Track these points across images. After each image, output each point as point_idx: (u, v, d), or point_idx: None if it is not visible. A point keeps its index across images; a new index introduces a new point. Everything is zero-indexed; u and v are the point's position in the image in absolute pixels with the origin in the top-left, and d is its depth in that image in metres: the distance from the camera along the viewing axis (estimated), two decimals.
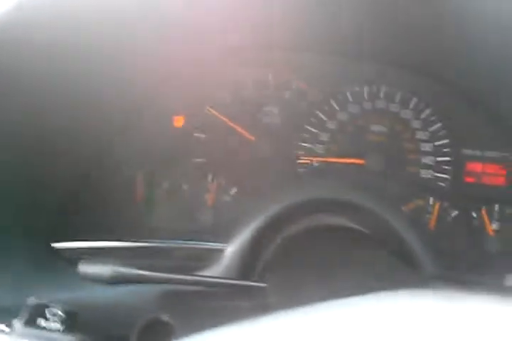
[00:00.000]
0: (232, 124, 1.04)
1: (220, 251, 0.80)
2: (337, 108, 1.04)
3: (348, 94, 1.04)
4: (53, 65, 0.68)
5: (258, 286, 0.73)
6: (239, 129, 1.04)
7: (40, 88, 0.69)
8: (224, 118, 1.04)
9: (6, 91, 0.64)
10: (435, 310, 0.33)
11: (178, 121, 1.03)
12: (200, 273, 0.76)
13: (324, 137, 1.04)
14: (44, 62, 0.66)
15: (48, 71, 0.68)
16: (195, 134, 1.04)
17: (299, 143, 1.04)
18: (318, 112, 1.04)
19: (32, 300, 0.56)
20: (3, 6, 0.56)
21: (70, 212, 0.88)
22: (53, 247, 0.79)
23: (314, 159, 1.04)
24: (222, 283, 0.73)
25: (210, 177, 1.05)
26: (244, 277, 0.77)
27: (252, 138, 1.04)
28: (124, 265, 0.66)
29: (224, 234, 0.84)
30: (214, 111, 1.04)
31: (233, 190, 1.04)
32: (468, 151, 1.04)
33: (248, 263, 0.79)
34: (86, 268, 0.66)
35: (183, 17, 0.77)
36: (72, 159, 0.87)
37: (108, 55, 0.76)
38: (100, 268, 0.65)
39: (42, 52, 0.65)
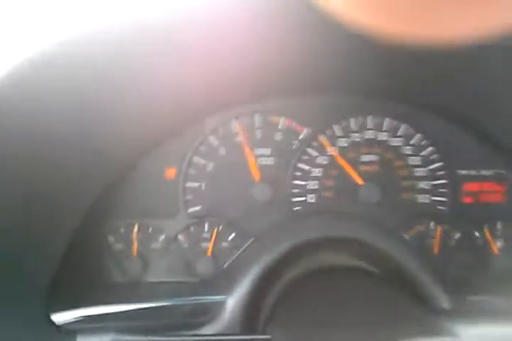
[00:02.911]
0: (224, 170, 1.04)
1: (222, 303, 0.79)
2: (326, 143, 1.04)
3: (336, 128, 1.04)
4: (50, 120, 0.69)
5: (262, 339, 0.71)
6: (232, 174, 1.04)
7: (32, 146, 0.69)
8: (216, 165, 1.05)
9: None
10: None
11: (170, 173, 1.04)
12: (204, 329, 0.75)
13: (317, 173, 1.04)
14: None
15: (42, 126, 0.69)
16: (188, 184, 1.04)
17: (293, 182, 1.04)
18: (308, 149, 1.04)
19: None
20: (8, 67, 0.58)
21: (65, 274, 0.86)
22: (51, 319, 0.78)
23: (308, 196, 1.05)
24: (225, 340, 0.72)
25: (206, 225, 1.05)
26: (248, 329, 0.76)
27: (247, 181, 1.04)
28: (125, 331, 0.66)
29: (225, 284, 0.83)
30: (203, 160, 1.05)
31: (231, 236, 1.04)
32: (463, 172, 1.04)
33: (251, 314, 0.78)
34: (85, 340, 0.65)
35: (171, 76, 0.77)
36: (62, 215, 0.86)
37: (101, 114, 0.78)
38: (100, 339, 0.65)
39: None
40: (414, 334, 0.65)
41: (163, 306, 0.82)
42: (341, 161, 1.04)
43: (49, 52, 0.59)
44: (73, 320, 0.77)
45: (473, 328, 0.71)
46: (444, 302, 0.80)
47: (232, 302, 0.78)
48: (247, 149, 1.04)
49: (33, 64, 0.59)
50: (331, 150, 1.04)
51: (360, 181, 1.03)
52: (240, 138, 1.04)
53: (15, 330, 0.73)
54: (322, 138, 1.04)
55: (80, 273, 0.94)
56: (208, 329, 0.76)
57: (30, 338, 0.74)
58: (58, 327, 0.77)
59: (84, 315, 0.78)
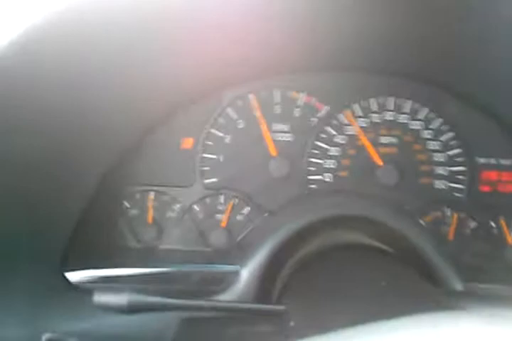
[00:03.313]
0: (242, 144, 1.03)
1: (235, 273, 0.77)
2: (345, 122, 1.03)
3: (356, 107, 1.03)
4: (62, 88, 0.66)
5: (277, 309, 0.70)
6: (250, 148, 1.03)
7: (47, 107, 0.66)
8: (234, 138, 1.04)
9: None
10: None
11: (187, 143, 1.02)
12: (217, 298, 0.74)
13: (334, 152, 1.03)
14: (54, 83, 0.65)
15: (57, 92, 0.66)
16: (205, 155, 1.03)
17: (310, 160, 1.03)
18: (327, 127, 1.03)
19: (47, 336, 0.54)
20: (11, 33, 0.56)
21: (81, 236, 0.86)
22: (66, 277, 0.77)
23: (325, 175, 1.03)
24: (239, 308, 0.70)
25: (222, 198, 1.04)
26: (261, 300, 0.74)
27: (264, 156, 1.03)
28: (140, 292, 0.64)
29: (238, 256, 0.82)
30: (221, 132, 1.03)
31: (246, 210, 1.03)
32: (482, 160, 1.03)
33: (265, 286, 0.76)
34: (101, 297, 0.63)
35: (189, 44, 0.76)
36: (80, 181, 0.85)
37: (115, 82, 0.76)
38: (116, 298, 0.63)
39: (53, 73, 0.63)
40: (425, 309, 0.64)
41: (175, 272, 0.81)
42: (365, 141, 1.02)
43: (60, 20, 0.57)
44: (87, 279, 0.76)
45: (484, 309, 0.70)
46: (457, 284, 0.78)
47: (246, 273, 0.77)
48: (264, 124, 1.03)
49: (43, 32, 0.57)
50: (355, 128, 1.03)
51: (379, 162, 1.01)
52: (257, 112, 1.03)
53: (32, 287, 0.73)
54: (345, 116, 1.03)
55: (96, 237, 0.94)
56: (221, 298, 0.74)
57: (47, 294, 0.73)
58: (73, 286, 0.77)
59: (98, 275, 0.77)
